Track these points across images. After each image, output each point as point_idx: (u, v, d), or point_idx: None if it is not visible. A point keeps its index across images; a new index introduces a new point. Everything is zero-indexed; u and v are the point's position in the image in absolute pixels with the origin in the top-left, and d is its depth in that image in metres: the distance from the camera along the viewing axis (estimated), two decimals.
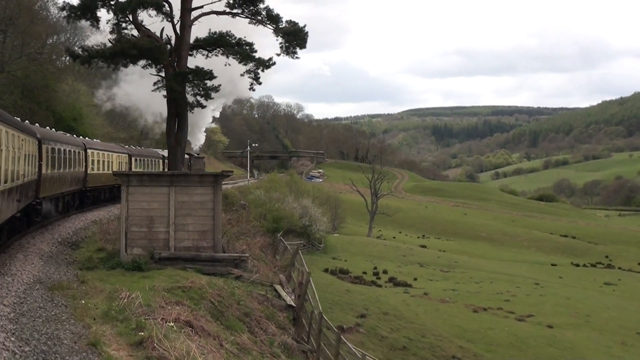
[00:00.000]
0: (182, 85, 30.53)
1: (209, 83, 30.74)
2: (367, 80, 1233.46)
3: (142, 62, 31.62)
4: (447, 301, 47.18)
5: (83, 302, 18.50)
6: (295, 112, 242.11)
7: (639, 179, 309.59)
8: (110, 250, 27.40)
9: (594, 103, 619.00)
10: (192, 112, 32.25)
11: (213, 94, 31.12)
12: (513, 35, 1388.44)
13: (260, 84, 32.14)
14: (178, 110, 31.03)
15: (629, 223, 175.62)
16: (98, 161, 46.94)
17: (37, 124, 36.80)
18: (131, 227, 24.43)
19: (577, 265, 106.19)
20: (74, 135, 46.65)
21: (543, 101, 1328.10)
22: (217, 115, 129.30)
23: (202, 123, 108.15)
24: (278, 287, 23.84)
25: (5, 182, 21.93)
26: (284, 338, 20.62)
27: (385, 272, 67.52)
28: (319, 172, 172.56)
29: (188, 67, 31.09)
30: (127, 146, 60.61)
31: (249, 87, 32.27)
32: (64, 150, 37.08)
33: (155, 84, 31.61)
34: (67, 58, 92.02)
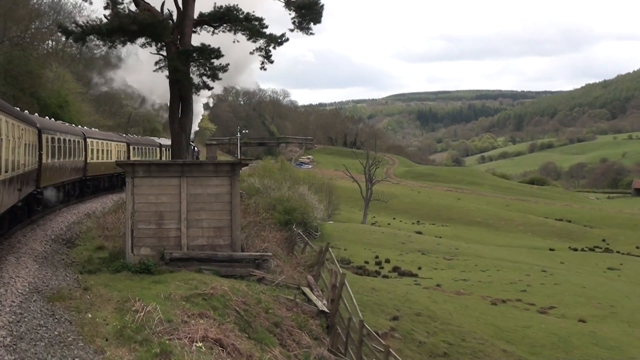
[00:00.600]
0: (186, 64, 27.62)
1: (215, 62, 27.84)
2: (351, 66, 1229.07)
3: (141, 41, 28.70)
4: (462, 293, 44.63)
5: (90, 315, 15.67)
6: (281, 98, 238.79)
7: (625, 161, 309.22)
8: (112, 249, 24.52)
9: (578, 86, 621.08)
10: (198, 95, 29.34)
11: (220, 74, 28.16)
12: (496, 19, 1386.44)
13: (272, 62, 29.25)
14: (182, 93, 28.12)
15: (619, 205, 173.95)
16: (97, 150, 46.87)
17: (36, 114, 36.67)
18: (138, 224, 21.52)
19: (575, 250, 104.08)
20: (73, 125, 46.59)
21: (527, 85, 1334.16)
22: (211, 104, 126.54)
23: (196, 110, 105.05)
24: (307, 290, 21.00)
25: (6, 171, 21.91)
26: (320, 351, 17.86)
27: (387, 261, 64.98)
28: (308, 159, 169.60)
29: (192, 45, 28.19)
30: (124, 135, 60.06)
31: (260, 66, 29.35)
32: (64, 139, 37.07)
33: (156, 63, 28.67)
34: (51, 43, 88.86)
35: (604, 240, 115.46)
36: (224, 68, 27.78)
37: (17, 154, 24.13)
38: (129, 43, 28.52)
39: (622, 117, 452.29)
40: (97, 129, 53.54)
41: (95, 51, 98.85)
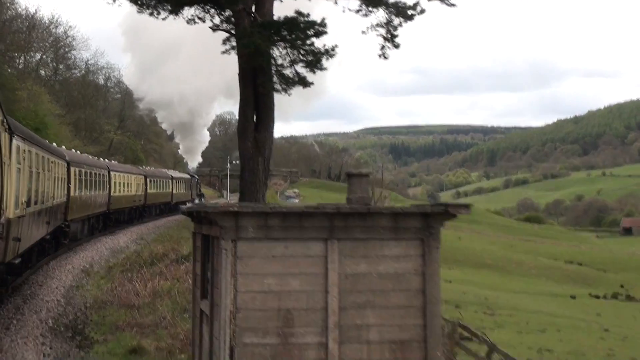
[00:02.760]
0: (269, 44, 17.00)
1: (316, 42, 17.24)
2: (322, 99, 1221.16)
3: (190, 12, 18.13)
4: None
5: None
6: None
7: (606, 198, 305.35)
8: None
9: (546, 122, 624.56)
10: (289, 94, 18.58)
11: (325, 62, 17.48)
12: (467, 54, 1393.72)
13: (397, 46, 18.69)
14: (262, 90, 17.44)
15: (618, 245, 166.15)
16: (120, 183, 47.64)
17: (63, 147, 37.22)
18: (243, 334, 10.65)
19: (597, 297, 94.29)
20: (98, 158, 47.93)
21: (496, 120, 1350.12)
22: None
23: (199, 135, 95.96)
24: None
25: (35, 203, 21.84)
26: None
27: None
28: (294, 192, 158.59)
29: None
30: (141, 167, 63.66)
31: (380, 52, 18.80)
32: (90, 172, 37.82)
33: (224, 42, 17.97)
34: (22, 63, 78.07)
35: (622, 287, 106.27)
36: (330, 52, 17.10)
37: (46, 186, 24.30)
38: (173, 15, 17.81)
39: (594, 153, 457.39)
40: (115, 162, 55.29)
41: (73, 70, 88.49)
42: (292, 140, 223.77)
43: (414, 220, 11.08)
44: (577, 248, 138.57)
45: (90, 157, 44.74)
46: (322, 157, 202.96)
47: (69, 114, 73.87)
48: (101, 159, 48.70)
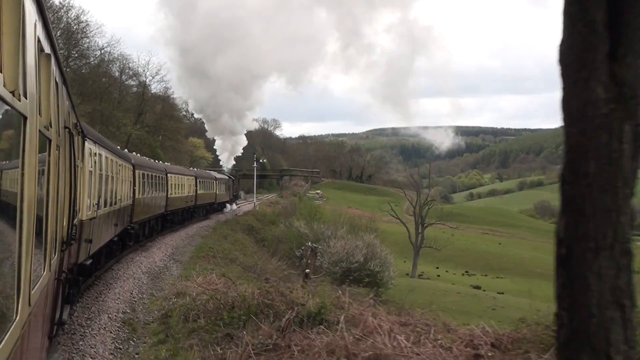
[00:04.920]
0: None
1: None
2: (330, 100, 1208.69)
3: None
4: None
5: None
6: (272, 128, 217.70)
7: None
8: None
9: (556, 125, 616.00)
10: None
11: None
12: (475, 56, 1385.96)
13: None
14: None
15: None
16: (176, 185, 48.17)
17: (125, 150, 39.21)
18: None
19: None
20: (157, 161, 49.22)
21: (505, 122, 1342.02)
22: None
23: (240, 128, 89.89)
24: None
25: (105, 206, 22.21)
26: None
27: None
28: (317, 194, 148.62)
29: None
30: (191, 169, 65.62)
31: None
32: (152, 175, 38.56)
33: None
34: None
35: None
36: None
37: (115, 189, 24.77)
38: None
39: None
40: (168, 163, 56.60)
41: (87, 59, 78.86)
42: (310, 140, 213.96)
43: None
44: None
45: (149, 159, 45.03)
46: (343, 157, 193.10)
47: (83, 104, 64.50)
48: (159, 161, 49.93)
